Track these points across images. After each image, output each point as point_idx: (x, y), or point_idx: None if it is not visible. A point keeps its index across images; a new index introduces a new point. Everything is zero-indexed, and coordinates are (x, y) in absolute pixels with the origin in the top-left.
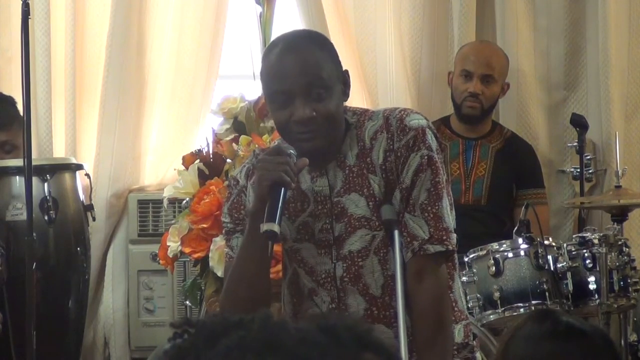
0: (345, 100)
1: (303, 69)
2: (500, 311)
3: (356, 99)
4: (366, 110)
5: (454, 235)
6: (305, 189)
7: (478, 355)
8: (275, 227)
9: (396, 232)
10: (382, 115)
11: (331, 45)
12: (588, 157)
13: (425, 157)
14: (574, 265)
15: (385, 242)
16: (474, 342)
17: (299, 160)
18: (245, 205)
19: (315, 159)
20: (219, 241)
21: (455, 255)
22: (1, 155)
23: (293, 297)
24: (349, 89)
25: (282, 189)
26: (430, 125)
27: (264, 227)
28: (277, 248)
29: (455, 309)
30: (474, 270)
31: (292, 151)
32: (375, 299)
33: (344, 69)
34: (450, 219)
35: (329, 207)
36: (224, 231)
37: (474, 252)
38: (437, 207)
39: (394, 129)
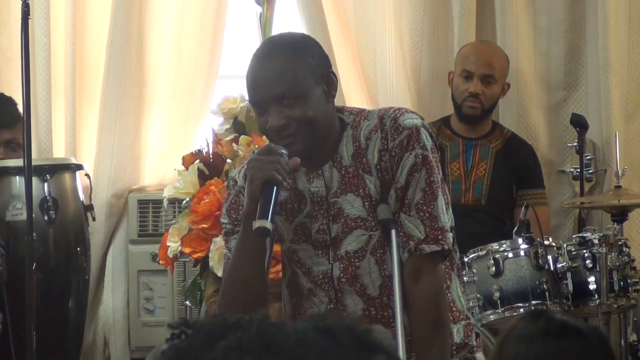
0: (330, 102)
1: (272, 79)
2: (500, 311)
3: (356, 99)
4: (362, 110)
5: (450, 235)
6: (302, 189)
7: (479, 355)
8: (268, 224)
9: (393, 232)
10: (376, 115)
11: (312, 47)
12: (588, 157)
13: (420, 157)
14: (574, 265)
15: (381, 242)
16: (476, 342)
17: (290, 159)
18: (244, 206)
19: (310, 159)
20: (219, 241)
21: (454, 255)
22: (7, 154)
23: (292, 298)
24: (334, 90)
25: (274, 187)
26: (425, 125)
27: (256, 224)
28: (277, 248)
29: (453, 308)
30: (474, 270)
31: (283, 151)
32: (373, 300)
33: (331, 69)
34: (445, 218)
35: (326, 208)
36: (223, 232)
37: (474, 252)
38: (432, 207)
39: (388, 129)
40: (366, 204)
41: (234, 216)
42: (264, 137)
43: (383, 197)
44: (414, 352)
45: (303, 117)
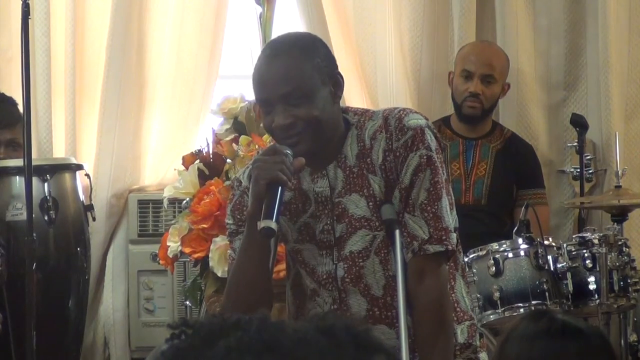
0: (336, 102)
1: (280, 78)
2: (500, 311)
3: (356, 99)
4: (367, 111)
5: (454, 235)
6: (307, 189)
7: (483, 355)
8: (273, 224)
9: (397, 232)
10: (381, 115)
11: (319, 48)
12: (588, 157)
13: (424, 157)
14: (574, 265)
15: (385, 242)
16: (479, 342)
17: (294, 159)
18: (248, 207)
19: (315, 159)
20: (219, 241)
21: (458, 255)
22: (8, 154)
23: (296, 298)
24: (341, 91)
25: (279, 187)
26: (429, 125)
27: (261, 224)
28: (281, 249)
29: (457, 309)
30: (474, 270)
31: (288, 151)
32: (377, 300)
33: (338, 70)
34: (450, 218)
35: (330, 208)
36: (227, 233)
37: (474, 252)
38: (436, 207)
39: (392, 129)
40: (370, 204)
41: (238, 217)
42: (264, 137)
43: (387, 197)
44: (417, 352)
45: (309, 117)
